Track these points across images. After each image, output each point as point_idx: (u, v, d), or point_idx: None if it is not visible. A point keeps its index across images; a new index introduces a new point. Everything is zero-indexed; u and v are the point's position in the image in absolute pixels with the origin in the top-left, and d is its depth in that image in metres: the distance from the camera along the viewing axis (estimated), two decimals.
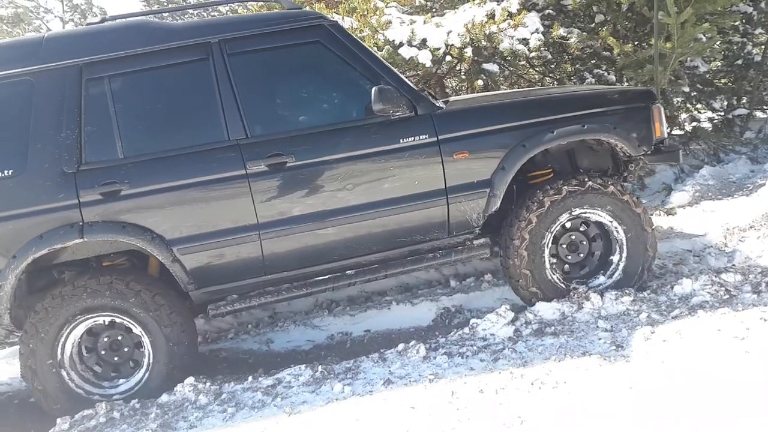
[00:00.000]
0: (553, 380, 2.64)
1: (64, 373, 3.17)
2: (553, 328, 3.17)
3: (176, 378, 3.18)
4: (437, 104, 3.43)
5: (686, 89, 6.58)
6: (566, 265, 3.61)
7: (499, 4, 5.80)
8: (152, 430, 2.78)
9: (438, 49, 5.73)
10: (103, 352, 3.30)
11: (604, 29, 5.96)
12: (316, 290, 3.46)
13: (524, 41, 5.60)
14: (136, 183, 3.14)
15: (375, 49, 5.62)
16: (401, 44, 5.60)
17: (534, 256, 3.41)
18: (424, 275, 4.31)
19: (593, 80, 6.54)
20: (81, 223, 3.11)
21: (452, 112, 3.44)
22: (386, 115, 3.23)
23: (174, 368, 3.21)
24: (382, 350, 3.26)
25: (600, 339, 2.95)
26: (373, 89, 3.14)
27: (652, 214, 5.21)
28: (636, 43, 6.28)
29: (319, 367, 3.14)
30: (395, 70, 3.53)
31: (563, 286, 3.49)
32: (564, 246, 3.58)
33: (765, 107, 7.82)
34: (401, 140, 3.28)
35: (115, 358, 3.31)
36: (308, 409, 2.77)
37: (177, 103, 3.31)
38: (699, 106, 7.41)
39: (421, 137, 3.29)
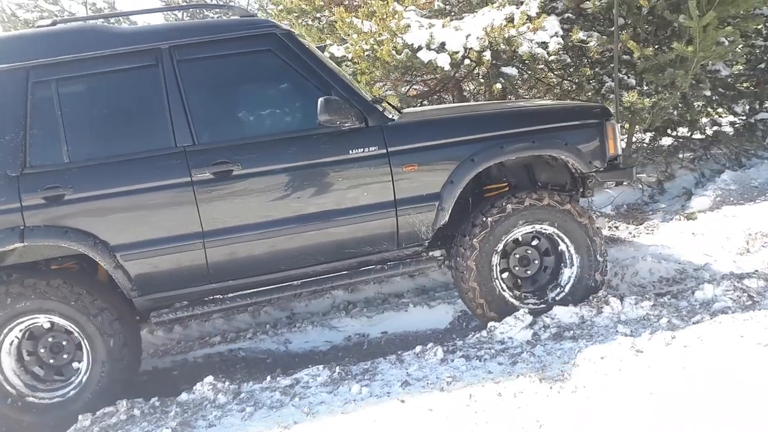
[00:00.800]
0: (572, 385, 2.63)
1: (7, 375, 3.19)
2: (572, 332, 3.16)
3: (114, 392, 3.19)
4: (389, 116, 3.41)
5: (708, 93, 6.50)
6: (518, 280, 3.60)
7: (518, 8, 5.77)
8: (172, 428, 2.81)
9: (456, 52, 5.71)
10: (42, 354, 3.29)
11: (624, 33, 5.91)
12: (260, 300, 3.46)
13: (543, 45, 5.57)
14: (80, 188, 3.12)
15: (394, 52, 5.65)
16: (420, 48, 5.60)
17: (482, 269, 3.40)
18: (441, 278, 4.31)
19: (613, 84, 6.48)
20: (22, 227, 3.10)
21: (402, 125, 3.42)
22: (334, 126, 3.21)
23: (112, 382, 3.20)
24: (399, 352, 3.27)
25: (619, 343, 2.92)
26: (319, 100, 3.12)
27: (671, 219, 5.17)
28: (657, 46, 6.21)
29: (337, 368, 3.16)
30: (348, 80, 3.54)
31: (513, 301, 3.48)
32: (517, 258, 3.57)
33: None
34: (350, 151, 3.26)
35: (52, 361, 3.29)
36: (326, 409, 2.78)
37: (125, 108, 3.28)
38: (720, 110, 7.31)
39: (370, 149, 3.27)
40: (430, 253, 3.54)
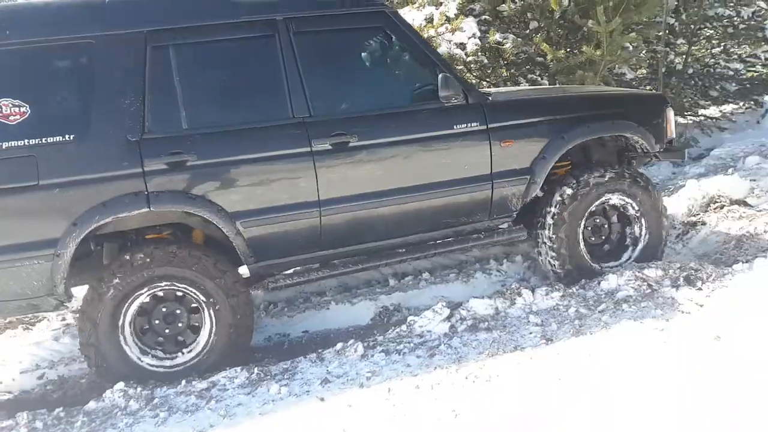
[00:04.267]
0: (487, 374, 2.71)
1: (125, 347, 3.12)
2: (486, 323, 3.25)
3: (238, 353, 3.24)
4: (485, 95, 3.66)
5: None
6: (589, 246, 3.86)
7: (437, 9, 5.91)
8: None
9: None
10: (157, 324, 3.23)
11: (538, 36, 6.17)
12: (369, 266, 3.63)
13: (461, 46, 5.72)
14: (202, 155, 3.11)
15: None
16: None
17: (570, 237, 3.66)
18: (363, 275, 4.32)
19: (527, 84, 6.74)
20: (146, 193, 3.03)
21: (500, 103, 3.68)
22: (446, 102, 3.39)
23: (236, 341, 3.23)
24: (320, 350, 3.24)
25: (531, 333, 3.05)
26: (440, 76, 3.32)
27: None
28: (568, 49, 6.52)
29: (255, 368, 3.09)
30: (446, 59, 3.69)
31: (595, 265, 3.76)
32: (588, 229, 3.84)
33: (686, 113, 8.27)
34: (454, 126, 3.45)
35: (167, 331, 3.23)
36: (244, 411, 2.72)
37: (242, 77, 3.33)
38: None
39: (472, 125, 3.47)
40: (516, 226, 3.79)
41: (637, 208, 3.78)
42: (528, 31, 6.51)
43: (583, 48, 5.72)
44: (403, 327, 3.36)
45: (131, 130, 3.05)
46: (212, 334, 3.20)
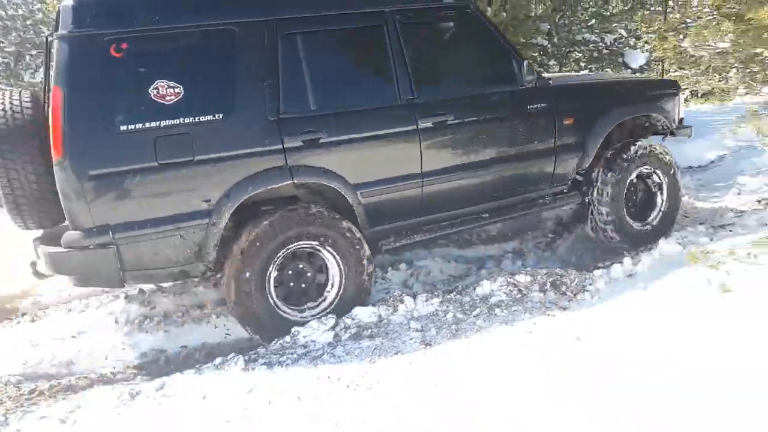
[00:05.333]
0: (368, 382, 2.75)
1: (271, 300, 3.47)
2: (370, 331, 3.29)
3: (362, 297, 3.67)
4: (548, 79, 4.29)
5: None
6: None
7: None
8: None
9: None
10: (294, 278, 3.59)
11: None
12: (462, 229, 4.09)
13: None
14: (330, 133, 3.48)
15: None
16: None
17: (617, 202, 4.31)
18: None
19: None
20: (288, 167, 3.39)
21: (563, 87, 4.39)
22: (521, 86, 3.95)
23: (359, 291, 3.65)
24: (198, 365, 3.13)
25: (411, 339, 3.13)
26: (525, 63, 3.93)
27: None
28: None
29: (128, 388, 2.92)
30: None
31: (634, 224, 4.47)
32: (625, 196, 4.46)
33: None
34: (528, 107, 4.03)
35: (303, 285, 3.62)
36: None
37: (358, 63, 3.78)
38: None
39: (542, 105, 4.06)
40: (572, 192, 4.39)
41: (660, 177, 4.50)
42: None
43: None
44: (287, 338, 3.33)
45: (270, 110, 3.37)
46: (341, 286, 3.61)
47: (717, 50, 7.41)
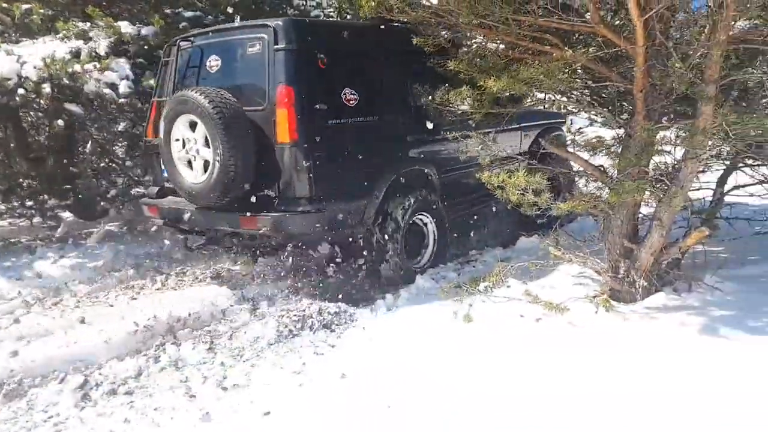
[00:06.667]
0: None
1: (396, 258, 4.43)
2: (126, 386, 3.01)
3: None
4: None
5: None
6: None
7: (86, 44, 5.45)
8: None
9: (8, 79, 5.05)
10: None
11: None
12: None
13: (113, 86, 5.37)
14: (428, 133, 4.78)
15: None
16: None
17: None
18: None
19: None
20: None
21: None
22: None
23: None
24: None
25: (174, 392, 2.94)
26: None
27: None
28: None
29: None
30: None
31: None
32: None
33: None
34: None
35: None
36: None
37: None
38: None
39: None
40: None
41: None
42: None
43: None
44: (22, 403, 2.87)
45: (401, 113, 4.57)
46: (435, 244, 4.82)
47: None
